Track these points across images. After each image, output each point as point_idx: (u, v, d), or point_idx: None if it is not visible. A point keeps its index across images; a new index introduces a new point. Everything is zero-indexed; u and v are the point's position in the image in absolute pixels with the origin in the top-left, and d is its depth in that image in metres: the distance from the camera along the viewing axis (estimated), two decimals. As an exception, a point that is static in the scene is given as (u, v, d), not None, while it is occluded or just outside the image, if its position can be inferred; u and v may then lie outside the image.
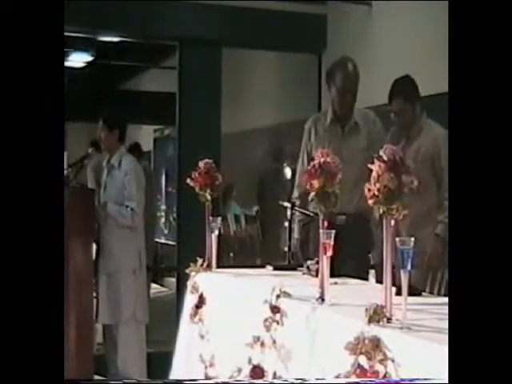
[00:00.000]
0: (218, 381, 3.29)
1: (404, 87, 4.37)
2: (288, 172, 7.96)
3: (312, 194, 2.77)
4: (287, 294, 2.88)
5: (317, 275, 2.86)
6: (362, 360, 2.15)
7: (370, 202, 2.27)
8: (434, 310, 2.55)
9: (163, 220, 11.56)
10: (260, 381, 2.85)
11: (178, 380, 3.71)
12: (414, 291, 2.56)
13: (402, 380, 2.00)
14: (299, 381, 2.19)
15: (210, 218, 3.89)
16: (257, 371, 2.94)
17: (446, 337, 1.91)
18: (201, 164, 3.94)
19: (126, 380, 4.58)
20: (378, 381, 2.07)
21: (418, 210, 3.97)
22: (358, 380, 2.13)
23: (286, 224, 4.09)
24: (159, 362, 4.30)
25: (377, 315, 2.22)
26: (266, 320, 2.91)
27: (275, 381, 2.74)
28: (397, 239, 2.26)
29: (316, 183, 2.73)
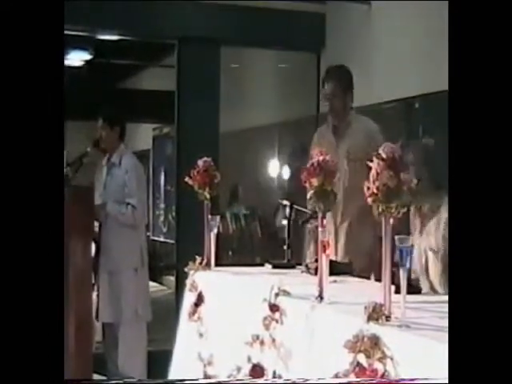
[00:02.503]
0: (221, 380, 3.28)
1: (338, 73, 4.36)
2: (286, 171, 7.95)
3: (310, 192, 2.77)
4: (286, 293, 2.88)
5: (316, 273, 2.86)
6: (361, 358, 2.15)
7: (369, 200, 2.27)
8: (434, 308, 2.55)
9: (162, 218, 11.55)
10: (260, 380, 2.85)
11: (179, 380, 3.71)
12: (413, 289, 2.57)
13: (402, 379, 2.01)
14: (299, 380, 2.19)
15: (209, 216, 3.89)
16: (256, 370, 2.95)
17: (446, 335, 1.91)
18: (199, 162, 3.94)
19: (126, 380, 4.58)
20: (377, 380, 2.07)
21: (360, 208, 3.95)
22: (357, 380, 2.13)
23: (285, 222, 4.09)
24: (158, 360, 4.30)
25: (376, 313, 2.22)
26: (265, 318, 2.91)
27: (275, 380, 2.74)
28: (396, 237, 2.26)
29: (315, 181, 2.73)
